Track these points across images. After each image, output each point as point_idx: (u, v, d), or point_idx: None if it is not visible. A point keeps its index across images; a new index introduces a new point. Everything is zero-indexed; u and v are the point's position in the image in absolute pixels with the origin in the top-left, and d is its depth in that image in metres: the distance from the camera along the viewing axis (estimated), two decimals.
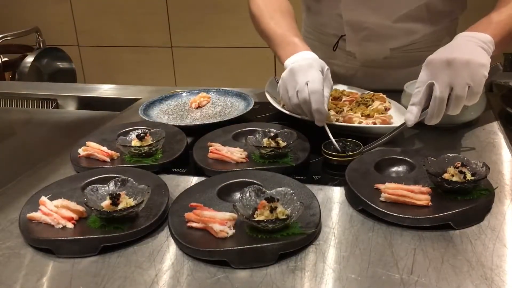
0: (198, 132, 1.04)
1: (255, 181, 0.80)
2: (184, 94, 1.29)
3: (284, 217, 0.68)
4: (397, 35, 1.20)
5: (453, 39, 0.94)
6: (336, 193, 0.82)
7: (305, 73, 0.94)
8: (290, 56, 1.01)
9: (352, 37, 1.23)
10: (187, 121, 1.15)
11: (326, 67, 0.98)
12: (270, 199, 0.69)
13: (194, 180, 0.89)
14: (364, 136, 0.98)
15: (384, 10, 1.16)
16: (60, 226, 0.72)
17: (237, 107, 1.21)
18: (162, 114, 1.20)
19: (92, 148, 0.95)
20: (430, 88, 0.88)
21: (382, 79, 1.27)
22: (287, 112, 1.09)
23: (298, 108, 0.97)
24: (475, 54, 0.87)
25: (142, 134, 0.94)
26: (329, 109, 1.05)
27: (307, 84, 0.93)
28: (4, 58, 2.32)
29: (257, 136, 0.94)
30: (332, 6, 1.21)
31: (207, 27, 2.97)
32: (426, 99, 0.89)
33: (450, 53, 0.88)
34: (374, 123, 1.01)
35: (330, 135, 0.94)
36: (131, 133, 0.98)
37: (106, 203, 0.72)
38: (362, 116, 1.04)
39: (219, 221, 0.68)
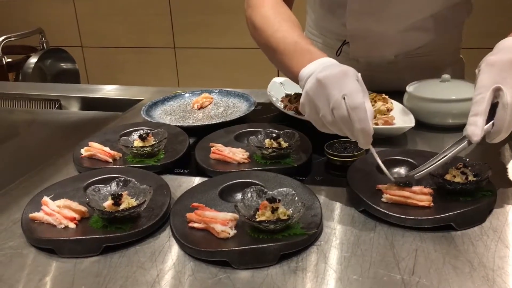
0: (200, 132, 1.04)
1: (256, 182, 0.80)
2: (186, 95, 1.30)
3: (285, 217, 0.68)
4: (402, 43, 1.19)
5: (505, 41, 0.79)
6: (338, 194, 0.82)
7: (339, 84, 0.75)
8: (307, 65, 0.85)
9: (355, 45, 1.22)
10: (190, 122, 1.15)
11: (359, 74, 0.79)
12: (272, 200, 0.69)
13: (196, 180, 0.89)
14: None
15: (390, 21, 1.15)
16: (62, 226, 0.72)
17: (240, 108, 1.22)
18: (164, 114, 1.20)
19: (95, 148, 0.95)
20: (494, 94, 0.73)
21: (385, 81, 1.26)
22: (289, 113, 1.09)
23: (335, 128, 0.78)
24: None
25: (144, 135, 0.94)
26: None
27: (345, 99, 0.74)
28: (7, 59, 2.33)
29: (259, 136, 0.94)
30: (337, 15, 1.20)
31: (210, 28, 2.97)
32: (489, 109, 0.73)
33: None
34: (377, 123, 1.01)
35: (377, 158, 0.78)
36: (133, 133, 0.99)
37: (108, 203, 0.72)
38: None
39: (221, 221, 0.68)
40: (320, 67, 0.82)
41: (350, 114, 0.74)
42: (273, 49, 0.96)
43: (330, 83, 0.76)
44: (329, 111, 0.76)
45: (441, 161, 0.75)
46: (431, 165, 0.75)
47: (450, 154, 0.75)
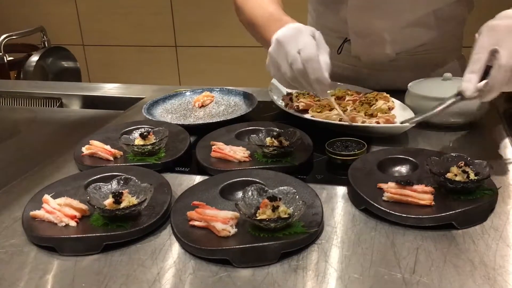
0: (201, 131, 1.04)
1: (257, 180, 0.80)
2: (187, 93, 1.29)
3: (286, 216, 0.68)
4: (403, 40, 1.19)
5: (502, 13, 0.84)
6: (339, 192, 0.81)
7: (294, 41, 0.83)
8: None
9: (356, 42, 1.22)
10: (191, 120, 1.15)
11: (318, 31, 0.86)
12: (273, 198, 0.69)
13: (197, 179, 0.89)
14: (367, 135, 0.97)
15: (390, 17, 1.15)
16: (63, 224, 0.72)
17: (241, 106, 1.21)
18: (165, 113, 1.20)
19: (96, 146, 0.95)
20: (491, 56, 0.78)
21: (387, 80, 1.26)
22: (291, 112, 1.09)
23: (296, 83, 0.86)
24: None
25: (145, 133, 0.94)
26: (331, 109, 1.05)
27: (299, 53, 0.82)
28: (9, 57, 2.33)
29: (260, 135, 0.94)
30: (337, 11, 1.20)
31: (211, 26, 2.97)
32: (484, 68, 0.79)
33: None
34: (378, 122, 1.01)
35: (337, 107, 0.86)
36: (134, 132, 0.99)
37: (108, 201, 0.72)
38: (365, 115, 1.03)
39: (222, 219, 0.68)
40: (284, 29, 0.87)
41: (305, 66, 0.81)
42: (252, 23, 1.03)
43: (286, 41, 0.84)
44: (288, 67, 0.84)
45: (434, 111, 0.84)
46: (424, 115, 0.85)
47: (443, 106, 0.83)
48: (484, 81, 0.79)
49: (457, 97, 0.82)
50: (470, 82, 0.79)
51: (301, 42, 0.83)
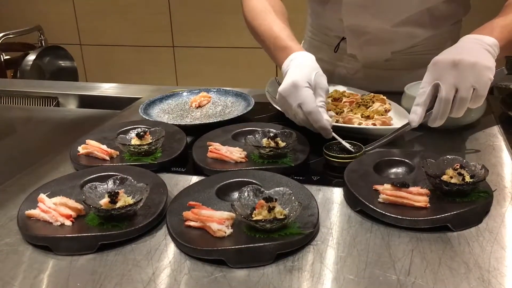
0: (198, 131, 1.04)
1: (253, 181, 0.80)
2: (184, 94, 1.29)
3: (282, 217, 0.68)
4: (398, 39, 1.20)
5: (459, 41, 0.94)
6: (335, 194, 0.82)
7: (294, 96, 0.93)
8: (284, 61, 1.02)
9: (353, 41, 1.23)
10: (187, 121, 1.15)
11: (315, 72, 0.96)
12: (268, 199, 0.69)
13: (193, 179, 0.89)
14: (363, 137, 0.98)
15: (385, 15, 1.16)
16: (58, 223, 0.72)
17: (237, 107, 1.21)
18: (162, 113, 1.20)
19: (92, 146, 0.95)
20: (435, 89, 0.88)
21: (383, 80, 1.27)
22: None
23: (304, 125, 0.97)
24: (481, 57, 0.87)
25: (142, 133, 0.94)
26: (328, 110, 1.05)
27: (301, 107, 0.93)
28: (6, 56, 2.32)
29: (257, 136, 0.94)
30: (334, 10, 1.20)
31: (209, 27, 2.97)
32: (430, 100, 0.89)
33: (456, 54, 0.88)
34: (374, 124, 1.01)
35: (340, 139, 0.93)
36: (131, 131, 0.99)
37: (104, 201, 0.72)
38: (362, 117, 1.04)
39: (217, 220, 0.68)
40: (287, 69, 0.99)
41: (308, 118, 0.93)
42: (260, 40, 1.14)
43: (287, 96, 0.95)
44: (293, 116, 0.97)
45: (387, 139, 0.94)
46: (380, 142, 0.94)
47: (395, 134, 0.94)
48: (429, 112, 0.89)
49: (406, 126, 0.93)
50: (415, 114, 0.89)
51: (300, 97, 0.93)
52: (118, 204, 0.72)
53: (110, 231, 0.69)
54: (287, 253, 0.66)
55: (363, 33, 1.20)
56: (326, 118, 0.93)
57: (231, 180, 0.82)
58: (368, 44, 1.22)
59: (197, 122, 1.13)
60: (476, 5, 1.26)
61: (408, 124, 0.92)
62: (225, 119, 1.11)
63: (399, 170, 0.86)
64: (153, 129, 0.99)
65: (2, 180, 0.91)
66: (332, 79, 1.31)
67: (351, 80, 1.30)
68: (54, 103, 1.51)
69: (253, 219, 0.68)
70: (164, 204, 0.76)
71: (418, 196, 0.73)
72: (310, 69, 0.97)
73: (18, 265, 0.67)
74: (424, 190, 0.74)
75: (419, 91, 0.90)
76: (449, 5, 1.17)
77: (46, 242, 0.69)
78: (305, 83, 0.94)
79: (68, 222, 0.72)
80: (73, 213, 0.73)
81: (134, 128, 1.03)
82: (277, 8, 1.16)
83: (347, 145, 0.91)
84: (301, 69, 0.97)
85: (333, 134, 0.94)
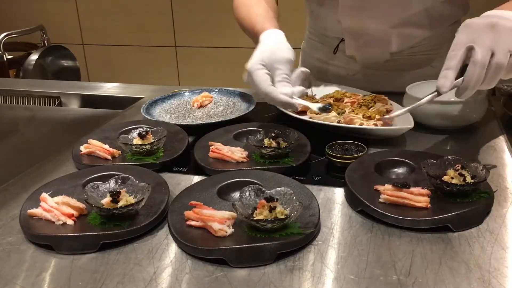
0: (200, 131, 1.05)
1: (255, 181, 0.80)
2: (186, 94, 1.30)
3: (283, 216, 0.68)
4: (397, 40, 1.20)
5: (484, 13, 0.86)
6: (336, 194, 0.82)
7: (251, 82, 0.99)
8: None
9: (351, 42, 1.23)
10: (189, 120, 1.15)
11: (274, 49, 0.99)
12: (270, 199, 0.69)
13: (194, 179, 0.89)
14: (365, 137, 0.98)
15: (383, 16, 1.15)
16: (61, 222, 0.72)
17: (239, 107, 1.22)
18: (164, 113, 1.20)
19: (94, 145, 0.95)
20: (467, 53, 0.80)
21: (383, 81, 1.26)
22: (289, 113, 1.09)
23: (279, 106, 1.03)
24: None
25: (143, 133, 0.95)
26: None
27: (258, 91, 0.97)
28: (9, 55, 2.32)
29: (258, 136, 0.94)
30: (332, 11, 1.20)
31: (211, 27, 2.97)
32: (461, 65, 0.81)
33: (492, 17, 0.81)
34: (376, 124, 1.01)
35: (307, 103, 0.98)
36: (133, 131, 0.99)
37: (106, 200, 0.73)
38: (363, 117, 1.04)
39: (218, 219, 0.69)
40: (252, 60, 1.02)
41: (268, 101, 0.98)
42: (246, 34, 1.19)
43: (248, 84, 1.01)
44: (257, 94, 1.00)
45: (412, 106, 0.91)
46: (404, 109, 0.94)
47: (421, 101, 0.89)
48: (460, 78, 0.80)
49: (434, 93, 0.84)
50: (446, 78, 0.80)
51: (253, 82, 0.99)
52: (120, 204, 0.72)
53: (112, 230, 0.70)
54: (288, 253, 0.66)
55: (361, 34, 1.20)
56: (284, 92, 0.94)
57: (233, 180, 0.82)
58: (366, 45, 1.22)
59: (199, 122, 1.14)
60: (475, 5, 1.26)
61: (435, 91, 0.84)
62: (226, 119, 1.11)
63: (400, 170, 0.86)
64: (155, 128, 0.99)
65: (5, 179, 0.91)
66: (332, 80, 1.31)
67: (351, 80, 1.30)
68: (56, 103, 1.51)
69: (254, 219, 0.68)
70: (166, 204, 0.76)
71: (419, 197, 0.73)
72: (268, 48, 0.98)
73: (20, 263, 0.67)
74: (425, 191, 0.74)
75: (449, 54, 0.81)
76: (448, 5, 1.17)
77: (48, 241, 0.70)
78: (257, 65, 0.96)
79: (70, 221, 0.72)
80: (75, 212, 0.73)
81: (136, 128, 1.03)
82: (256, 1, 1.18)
83: (315, 108, 0.97)
84: (260, 51, 1.00)
85: (300, 101, 0.96)
